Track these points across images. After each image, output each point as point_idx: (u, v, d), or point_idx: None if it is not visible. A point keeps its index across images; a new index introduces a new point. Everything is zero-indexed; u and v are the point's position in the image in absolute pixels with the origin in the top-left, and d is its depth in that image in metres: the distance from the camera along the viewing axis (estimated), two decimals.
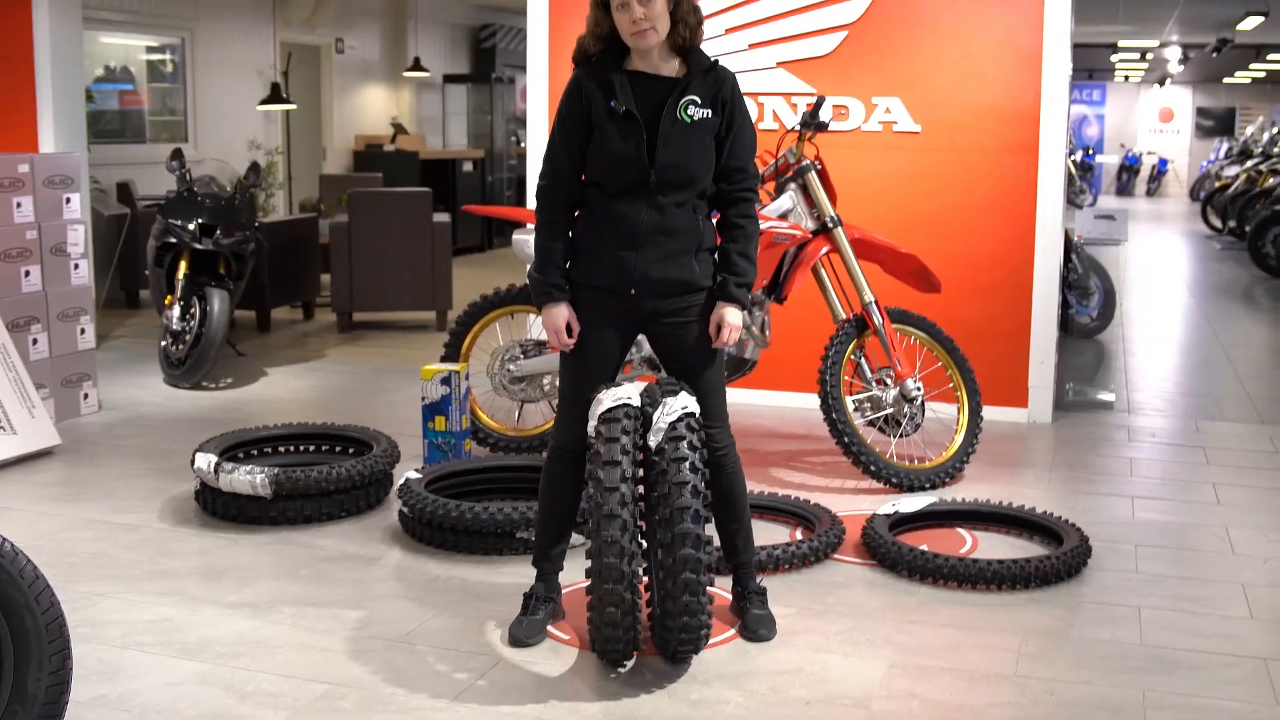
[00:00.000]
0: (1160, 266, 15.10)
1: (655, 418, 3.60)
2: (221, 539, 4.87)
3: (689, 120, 3.68)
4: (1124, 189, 30.29)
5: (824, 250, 5.68)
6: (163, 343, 7.72)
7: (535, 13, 7.39)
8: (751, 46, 7.01)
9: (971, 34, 6.74)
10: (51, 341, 6.60)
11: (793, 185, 5.71)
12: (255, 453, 5.54)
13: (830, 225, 5.67)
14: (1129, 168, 30.33)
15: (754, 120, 6.76)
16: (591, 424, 3.66)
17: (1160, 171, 30.46)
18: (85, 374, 6.83)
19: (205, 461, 5.05)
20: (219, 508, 5.06)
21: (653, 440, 3.59)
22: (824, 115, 5.89)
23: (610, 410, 3.61)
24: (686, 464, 3.53)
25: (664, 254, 3.71)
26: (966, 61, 6.76)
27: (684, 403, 3.63)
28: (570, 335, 3.77)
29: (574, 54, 3.82)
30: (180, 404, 7.19)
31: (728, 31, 7.00)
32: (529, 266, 3.87)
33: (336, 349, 9.01)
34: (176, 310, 7.62)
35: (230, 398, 7.40)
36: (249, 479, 4.92)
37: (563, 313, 3.76)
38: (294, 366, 8.34)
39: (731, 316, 3.77)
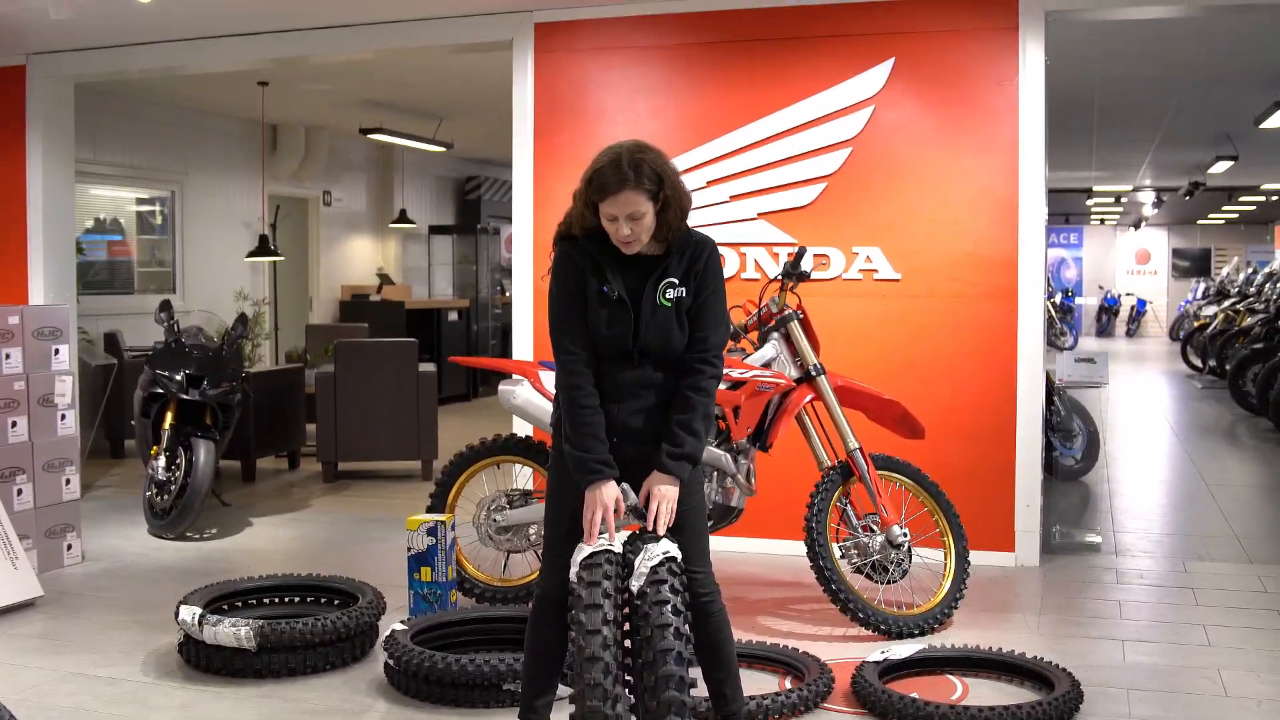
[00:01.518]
0: (1143, 407, 15.19)
1: (636, 563, 3.59)
2: (205, 692, 4.81)
3: (668, 304, 3.71)
4: (1104, 330, 30.60)
5: (808, 398, 5.74)
6: (147, 493, 7.70)
7: (520, 165, 7.56)
8: (733, 198, 7.15)
9: (949, 183, 6.88)
10: (36, 492, 6.59)
11: (776, 334, 5.79)
12: (240, 604, 5.51)
13: (813, 373, 5.74)
14: (1108, 309, 30.66)
15: (736, 271, 6.99)
16: (573, 571, 3.64)
17: (1139, 312, 30.82)
18: (69, 525, 6.80)
19: (189, 614, 5.01)
20: (203, 660, 5.01)
21: (634, 585, 3.57)
22: (805, 265, 5.98)
23: (591, 556, 3.60)
24: (668, 607, 3.51)
25: (643, 405, 3.74)
26: (944, 210, 6.89)
27: (665, 548, 3.62)
28: (617, 511, 3.69)
29: (559, 229, 3.82)
30: (164, 555, 7.15)
31: (709, 184, 7.14)
32: (565, 445, 3.77)
33: (322, 499, 8.99)
34: (162, 460, 7.62)
35: (215, 548, 7.36)
36: (233, 631, 4.89)
37: (613, 491, 3.67)
38: (279, 516, 8.31)
39: (663, 488, 3.69)
